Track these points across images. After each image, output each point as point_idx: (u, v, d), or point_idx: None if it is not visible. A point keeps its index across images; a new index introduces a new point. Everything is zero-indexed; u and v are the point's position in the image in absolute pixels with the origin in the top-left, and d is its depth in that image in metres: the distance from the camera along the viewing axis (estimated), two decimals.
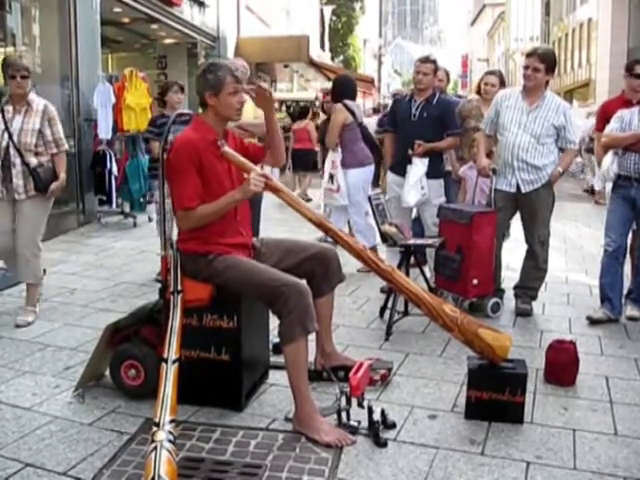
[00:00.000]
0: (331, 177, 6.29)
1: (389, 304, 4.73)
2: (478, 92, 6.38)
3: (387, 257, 5.44)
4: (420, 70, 5.42)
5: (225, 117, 3.41)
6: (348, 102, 6.30)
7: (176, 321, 3.20)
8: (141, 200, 9.04)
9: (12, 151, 4.70)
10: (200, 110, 3.53)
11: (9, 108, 4.76)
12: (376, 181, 8.55)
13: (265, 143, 3.69)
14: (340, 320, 4.75)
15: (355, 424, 3.16)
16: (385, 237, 4.81)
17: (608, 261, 4.92)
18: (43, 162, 4.81)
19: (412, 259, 4.94)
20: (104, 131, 8.48)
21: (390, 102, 10.77)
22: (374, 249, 5.90)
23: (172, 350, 3.08)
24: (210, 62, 3.52)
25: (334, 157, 6.33)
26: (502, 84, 6.23)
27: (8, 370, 3.88)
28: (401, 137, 5.66)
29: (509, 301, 5.22)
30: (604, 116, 5.57)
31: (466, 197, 5.61)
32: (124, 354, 3.52)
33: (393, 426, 3.20)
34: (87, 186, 8.70)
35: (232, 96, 3.34)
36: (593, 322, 4.88)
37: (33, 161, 4.74)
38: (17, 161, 4.70)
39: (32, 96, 4.85)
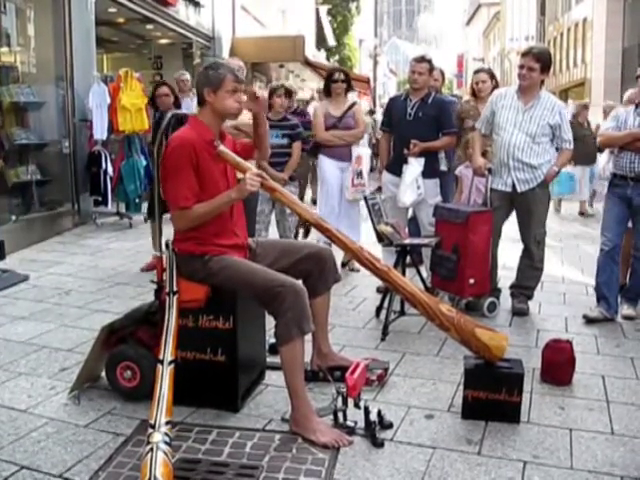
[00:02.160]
0: (359, 173, 6.30)
1: (385, 304, 4.73)
2: (473, 94, 6.41)
3: (383, 257, 5.42)
4: (415, 70, 5.42)
5: (221, 115, 3.40)
6: None
7: (172, 322, 3.19)
8: (136, 201, 9.02)
9: None
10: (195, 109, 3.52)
11: None
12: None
13: (253, 142, 3.68)
14: (336, 320, 4.74)
15: (352, 424, 3.15)
16: (381, 237, 4.81)
17: (604, 260, 4.93)
18: None
19: (408, 259, 4.94)
20: (99, 132, 8.46)
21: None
22: None
23: (168, 351, 3.07)
24: (213, 61, 3.52)
25: (359, 153, 6.38)
26: (493, 79, 6.31)
27: (3, 372, 3.86)
28: (397, 137, 5.66)
29: (505, 300, 5.22)
30: None
31: (462, 196, 5.61)
32: (120, 355, 3.50)
33: (390, 426, 3.19)
34: (82, 187, 8.68)
35: (230, 95, 3.33)
36: (589, 321, 4.88)
37: None
38: None
39: None
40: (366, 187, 6.36)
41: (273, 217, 6.05)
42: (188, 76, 9.35)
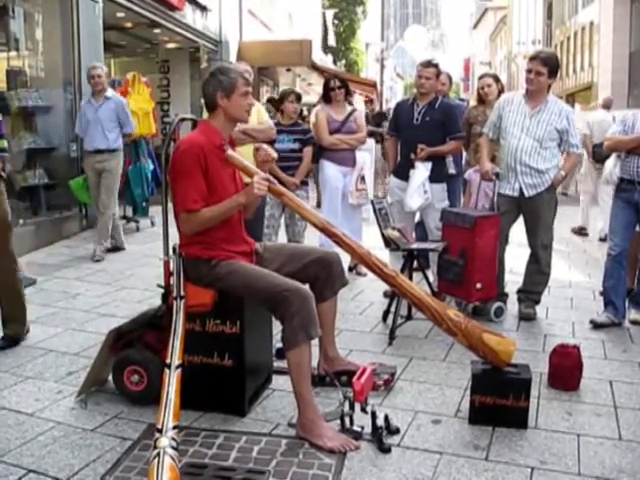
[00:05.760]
0: (362, 178, 6.43)
1: (392, 308, 4.72)
2: (480, 100, 6.44)
3: (390, 261, 5.43)
4: (422, 74, 5.42)
5: (235, 118, 3.43)
6: None
7: (179, 326, 3.19)
8: (144, 204, 9.04)
9: None
10: (204, 114, 3.53)
11: None
12: None
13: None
14: (343, 324, 4.74)
15: (358, 429, 3.14)
16: (388, 241, 4.81)
17: (612, 265, 4.91)
18: None
19: (415, 263, 4.94)
20: None
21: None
22: None
23: (175, 355, 3.07)
24: (220, 65, 3.55)
25: (363, 158, 6.54)
26: (498, 82, 6.39)
27: (11, 375, 3.87)
28: (404, 141, 5.66)
29: (512, 305, 5.21)
30: None
31: (471, 200, 5.60)
32: (127, 360, 3.51)
33: (397, 431, 3.19)
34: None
35: (243, 97, 3.37)
36: (597, 326, 4.87)
37: None
38: None
39: None
40: (368, 191, 6.48)
41: (282, 221, 6.06)
42: (103, 70, 7.36)
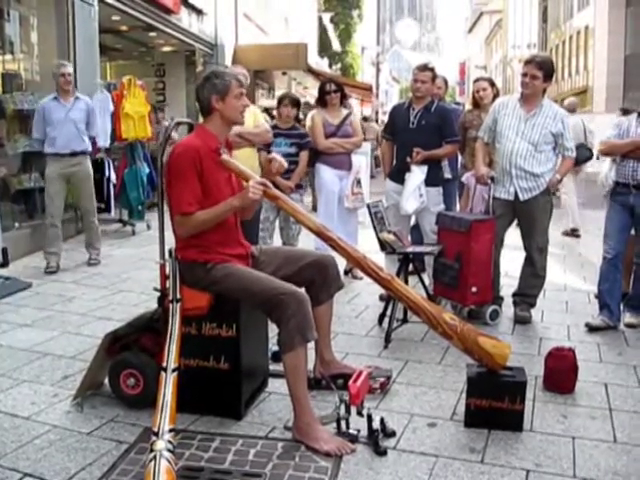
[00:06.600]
0: (358, 181, 6.46)
1: (388, 312, 4.73)
2: (475, 104, 6.46)
3: (386, 265, 5.43)
4: (418, 78, 5.43)
5: (231, 120, 3.45)
6: None
7: (175, 330, 3.20)
8: (139, 208, 9.04)
9: None
10: (200, 118, 3.55)
11: None
12: None
13: None
14: (339, 328, 4.75)
15: (354, 432, 3.15)
16: (384, 245, 4.82)
17: (607, 268, 4.92)
18: None
19: (411, 267, 4.95)
20: (102, 139, 8.45)
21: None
22: None
23: (171, 359, 3.08)
24: (212, 69, 3.57)
25: (358, 161, 6.58)
26: (493, 86, 6.41)
27: (6, 379, 3.87)
28: (400, 145, 5.67)
29: (508, 308, 5.21)
30: None
31: (468, 204, 5.62)
32: (123, 363, 3.51)
33: (392, 434, 3.19)
34: None
35: (237, 99, 3.39)
36: (592, 329, 4.88)
37: None
38: None
39: None
40: (364, 195, 6.49)
41: (277, 224, 6.06)
42: (71, 68, 7.16)
